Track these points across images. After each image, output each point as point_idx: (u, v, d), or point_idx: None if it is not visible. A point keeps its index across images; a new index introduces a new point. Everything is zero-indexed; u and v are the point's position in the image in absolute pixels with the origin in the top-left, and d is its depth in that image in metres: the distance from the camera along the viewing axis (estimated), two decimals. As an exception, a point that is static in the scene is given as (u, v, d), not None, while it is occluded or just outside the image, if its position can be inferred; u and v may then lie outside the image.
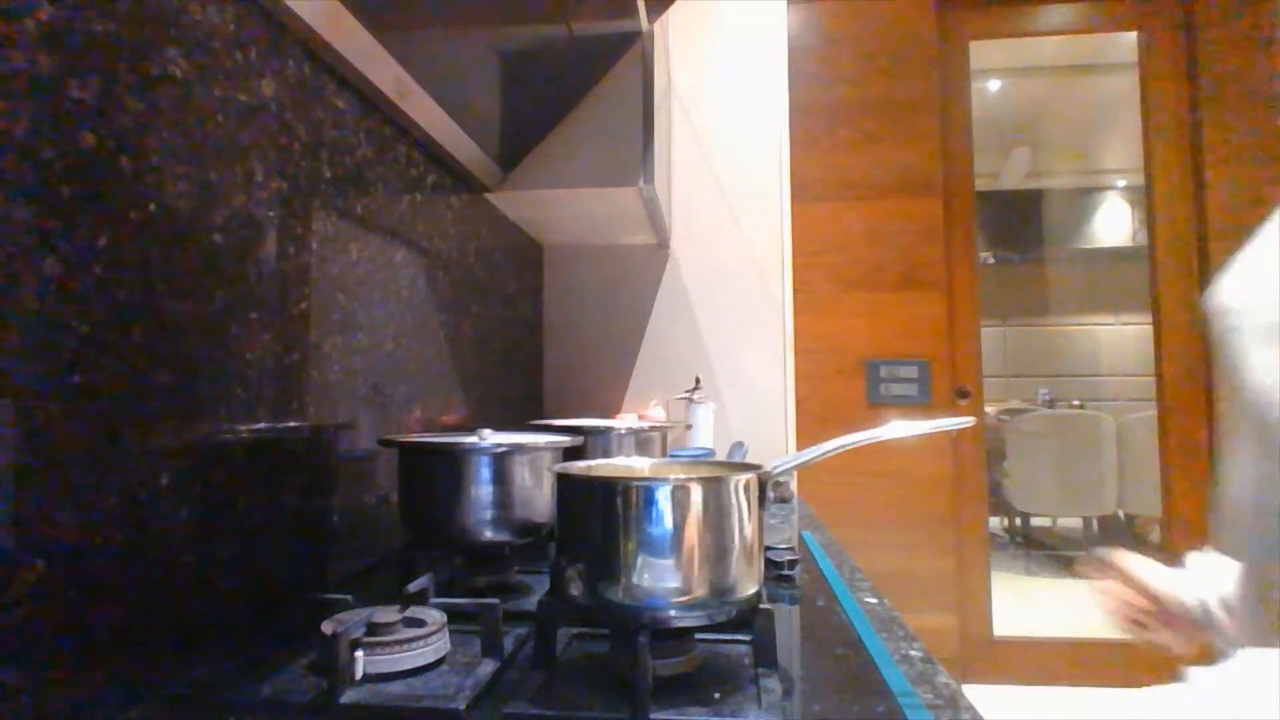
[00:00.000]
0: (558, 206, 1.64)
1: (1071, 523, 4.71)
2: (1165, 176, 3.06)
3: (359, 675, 0.58)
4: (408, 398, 1.14)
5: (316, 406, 0.86)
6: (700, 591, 0.57)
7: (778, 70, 2.08)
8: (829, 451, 0.70)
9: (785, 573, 0.95)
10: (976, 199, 3.25)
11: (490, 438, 0.85)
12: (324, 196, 0.88)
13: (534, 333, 2.00)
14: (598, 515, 0.59)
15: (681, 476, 0.61)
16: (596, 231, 1.89)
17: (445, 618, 0.66)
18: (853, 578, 0.98)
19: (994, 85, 4.53)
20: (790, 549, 1.01)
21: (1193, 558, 0.83)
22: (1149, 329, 3.13)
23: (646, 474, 0.73)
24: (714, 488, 0.59)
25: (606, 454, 1.27)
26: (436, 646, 0.63)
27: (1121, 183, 4.97)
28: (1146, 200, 3.15)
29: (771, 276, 2.08)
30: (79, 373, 0.53)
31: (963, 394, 3.11)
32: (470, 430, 0.89)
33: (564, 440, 0.93)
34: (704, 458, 1.50)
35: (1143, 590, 0.87)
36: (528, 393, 1.92)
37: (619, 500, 0.58)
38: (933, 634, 2.92)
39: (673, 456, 1.47)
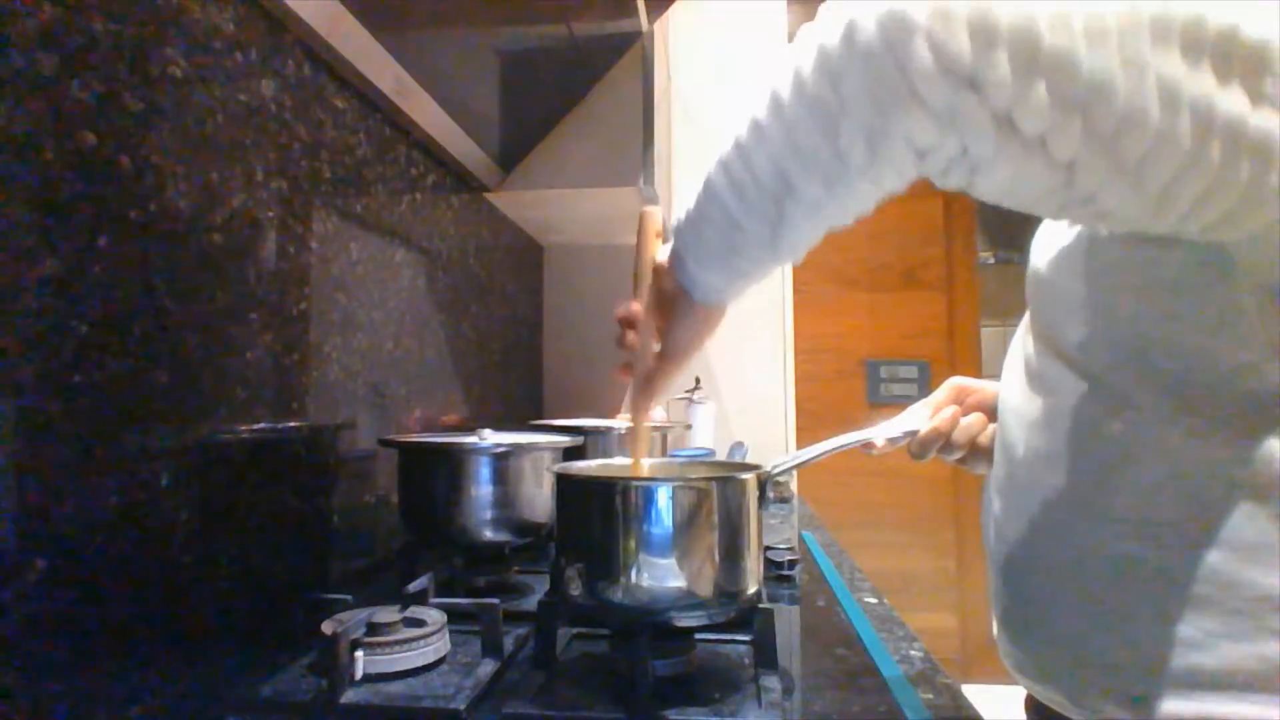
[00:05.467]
0: (558, 206, 1.64)
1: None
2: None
3: (359, 675, 0.58)
4: (408, 398, 1.14)
5: (316, 406, 0.86)
6: (699, 591, 0.57)
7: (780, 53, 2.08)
8: (828, 451, 0.69)
9: (785, 573, 0.95)
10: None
11: (490, 438, 0.85)
12: (324, 196, 0.88)
13: (534, 333, 2.00)
14: (597, 516, 0.59)
15: (680, 477, 0.61)
16: (596, 231, 1.89)
17: (445, 618, 0.66)
18: (853, 578, 0.98)
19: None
20: (790, 549, 1.01)
21: None
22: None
23: (645, 475, 0.73)
24: (712, 488, 0.59)
25: (606, 454, 1.26)
26: (436, 646, 0.63)
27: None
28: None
29: (771, 276, 2.08)
30: (79, 373, 0.53)
31: (963, 394, 3.11)
32: (470, 430, 0.90)
33: (564, 440, 0.93)
34: (704, 458, 1.50)
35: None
36: (528, 393, 1.92)
37: (618, 501, 0.58)
38: (933, 634, 2.92)
39: (673, 456, 1.47)
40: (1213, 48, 0.36)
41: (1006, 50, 0.35)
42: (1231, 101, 0.37)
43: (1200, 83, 0.36)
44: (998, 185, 0.41)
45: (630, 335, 0.62)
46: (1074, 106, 0.36)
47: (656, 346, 0.62)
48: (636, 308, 0.61)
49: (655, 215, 0.62)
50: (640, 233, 0.62)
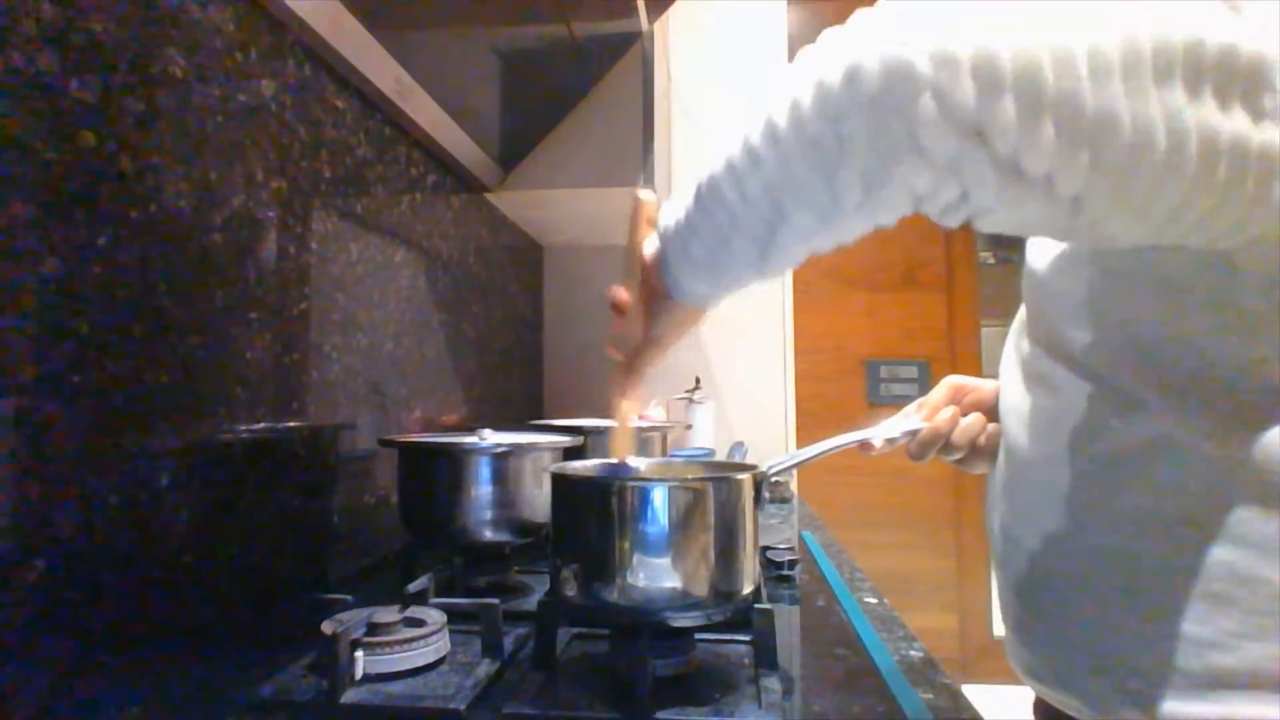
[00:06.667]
0: (558, 206, 1.64)
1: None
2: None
3: (359, 675, 0.58)
4: (408, 398, 1.14)
5: (316, 406, 0.86)
6: (695, 592, 0.57)
7: (778, 70, 2.07)
8: (825, 452, 0.69)
9: (785, 573, 0.95)
10: (977, 199, 3.24)
11: (490, 438, 0.85)
12: (324, 196, 0.88)
13: (534, 333, 2.00)
14: (591, 516, 0.59)
15: (675, 477, 0.61)
16: (596, 231, 1.89)
17: (445, 618, 0.66)
18: (853, 578, 0.98)
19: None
20: (790, 549, 1.01)
21: None
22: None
23: (641, 474, 0.73)
24: (708, 488, 0.59)
25: (606, 454, 1.26)
26: (436, 646, 0.63)
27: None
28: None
29: (771, 276, 2.08)
30: (79, 373, 0.53)
31: (963, 394, 3.11)
32: (470, 430, 0.90)
33: (564, 440, 0.93)
34: (703, 458, 1.50)
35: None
36: (528, 393, 1.92)
37: (614, 501, 0.58)
38: (933, 634, 2.92)
39: (672, 456, 1.47)
40: (1213, 70, 0.36)
41: (1012, 95, 0.35)
42: (1235, 123, 0.36)
43: (1203, 108, 0.36)
44: (999, 223, 0.41)
45: (619, 320, 0.64)
46: (1080, 145, 0.35)
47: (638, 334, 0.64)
48: (625, 296, 0.63)
49: (649, 204, 0.62)
50: (633, 221, 0.62)
